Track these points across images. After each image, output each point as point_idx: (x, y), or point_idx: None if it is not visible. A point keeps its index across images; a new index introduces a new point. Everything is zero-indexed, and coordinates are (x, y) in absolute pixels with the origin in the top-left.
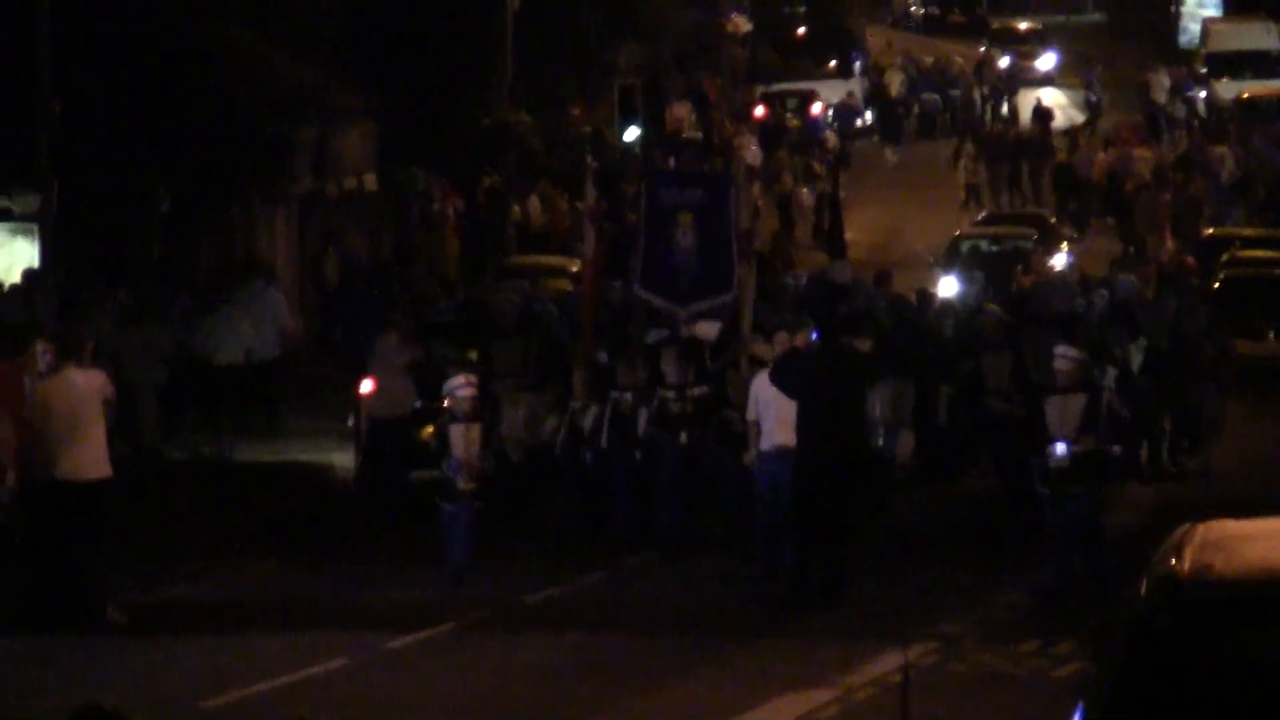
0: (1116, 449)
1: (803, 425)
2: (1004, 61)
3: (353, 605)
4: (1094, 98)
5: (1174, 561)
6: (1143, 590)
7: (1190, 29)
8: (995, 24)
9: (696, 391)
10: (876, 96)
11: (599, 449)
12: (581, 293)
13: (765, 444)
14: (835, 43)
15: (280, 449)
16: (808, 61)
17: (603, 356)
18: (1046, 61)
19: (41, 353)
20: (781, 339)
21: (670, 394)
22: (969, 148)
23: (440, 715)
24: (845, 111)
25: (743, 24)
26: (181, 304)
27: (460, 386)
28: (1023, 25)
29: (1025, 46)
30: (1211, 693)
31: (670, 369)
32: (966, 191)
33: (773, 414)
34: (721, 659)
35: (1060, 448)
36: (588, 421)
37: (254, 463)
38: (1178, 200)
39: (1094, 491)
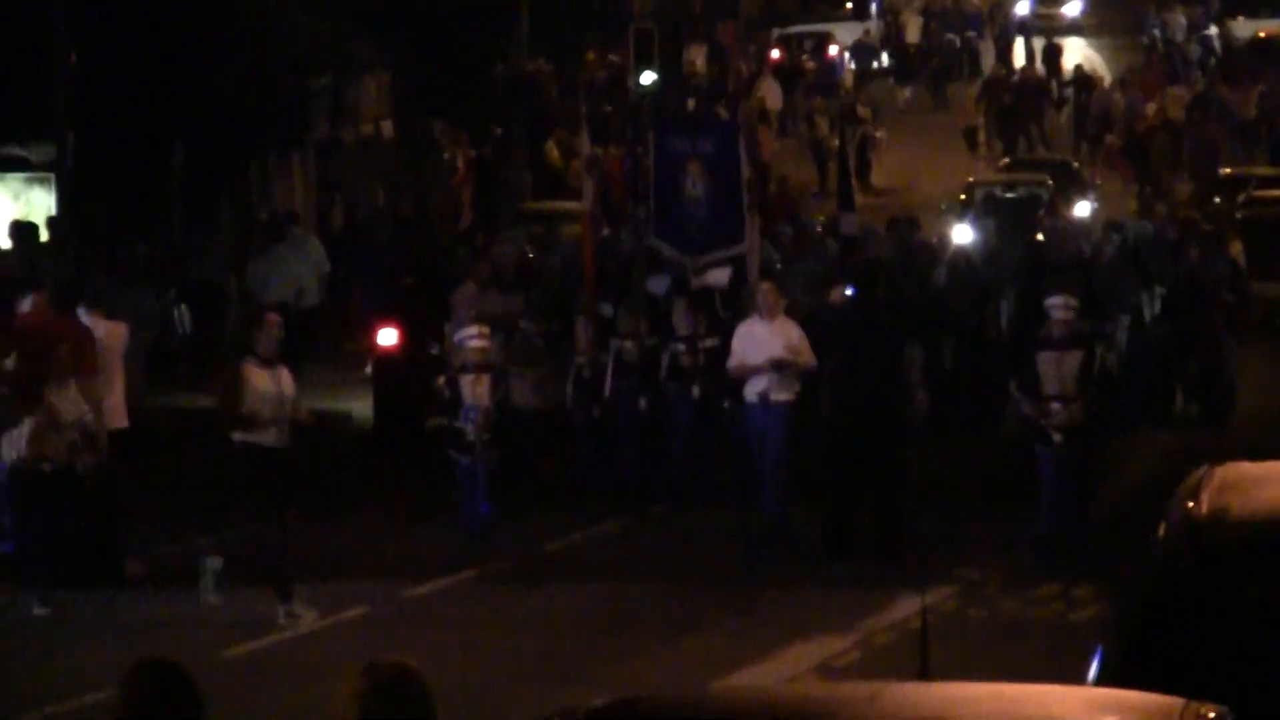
0: (1089, 402)
1: (840, 381)
2: (1023, 7)
3: (373, 554)
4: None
5: (1191, 504)
6: (1161, 533)
7: None
8: None
9: (708, 343)
10: (891, 38)
11: (604, 400)
12: (582, 243)
13: (749, 393)
14: None
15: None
16: (824, 4)
17: (606, 308)
18: (1073, 8)
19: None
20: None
21: (681, 346)
22: (971, 91)
23: (461, 664)
24: (862, 51)
25: None
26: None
27: (471, 337)
28: None
29: None
30: (1230, 634)
31: (681, 321)
32: (965, 135)
33: (758, 364)
34: (741, 607)
35: (1056, 407)
36: (593, 373)
37: None
38: (1194, 141)
39: (1088, 451)
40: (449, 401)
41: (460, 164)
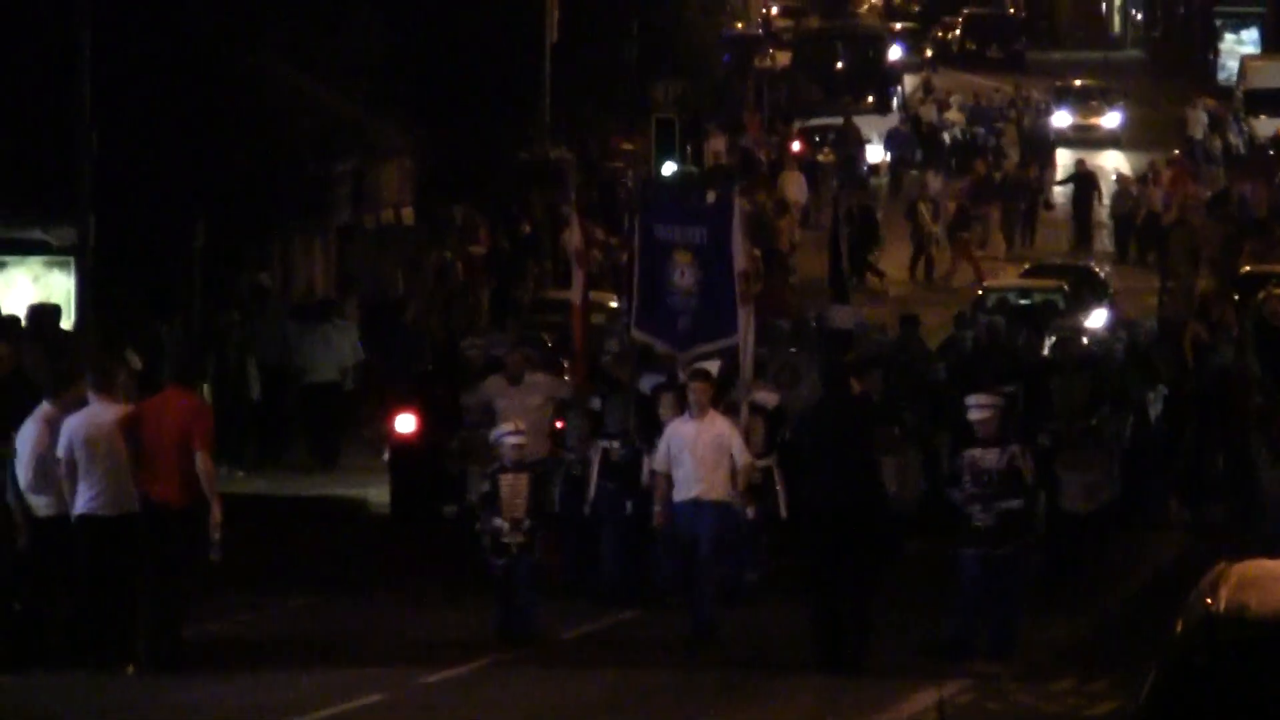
0: (1016, 503)
1: (814, 478)
2: (1064, 120)
3: (389, 640)
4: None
5: (1209, 601)
6: (1178, 629)
7: (1229, 65)
8: (1059, 83)
9: None
10: (916, 130)
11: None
12: (573, 336)
13: (679, 496)
14: (873, 78)
15: (318, 482)
16: (847, 97)
17: (595, 402)
18: (1112, 120)
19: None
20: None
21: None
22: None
23: None
24: (900, 140)
25: (782, 59)
26: (283, 326)
27: (507, 434)
28: (1079, 81)
29: (1091, 103)
30: None
31: (668, 417)
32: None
33: (688, 463)
34: (757, 696)
35: (977, 507)
36: (583, 471)
37: (290, 496)
38: (1215, 236)
39: (1020, 553)
40: (485, 502)
41: (480, 250)
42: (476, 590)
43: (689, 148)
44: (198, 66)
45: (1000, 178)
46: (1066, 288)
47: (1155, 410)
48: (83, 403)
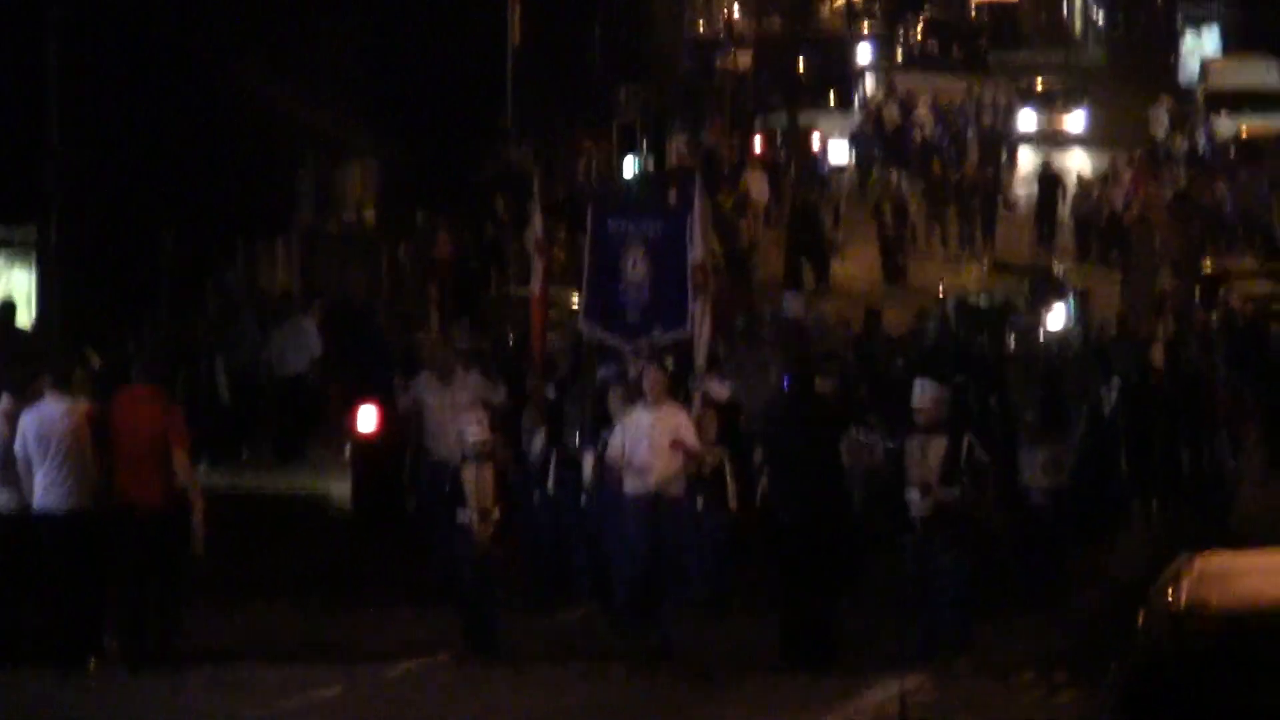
0: (955, 492)
1: (776, 482)
2: (1030, 122)
3: (350, 635)
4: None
5: (1171, 595)
6: (1141, 622)
7: (1190, 66)
8: (1023, 83)
9: None
10: (879, 130)
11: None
12: (531, 327)
13: (633, 488)
14: (835, 78)
15: (278, 478)
16: (808, 96)
17: (551, 390)
18: (1076, 122)
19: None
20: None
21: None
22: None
23: None
24: (863, 140)
25: (744, 60)
26: (250, 326)
27: (469, 426)
28: (1042, 82)
29: (1055, 104)
30: None
31: (617, 410)
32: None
33: (644, 453)
34: (720, 693)
35: (915, 495)
36: (538, 462)
37: (250, 493)
38: (1178, 236)
39: (963, 546)
40: (451, 495)
41: (441, 249)
42: (438, 588)
43: (650, 149)
44: (164, 69)
45: (958, 178)
46: (1027, 287)
47: (1108, 406)
48: (39, 397)
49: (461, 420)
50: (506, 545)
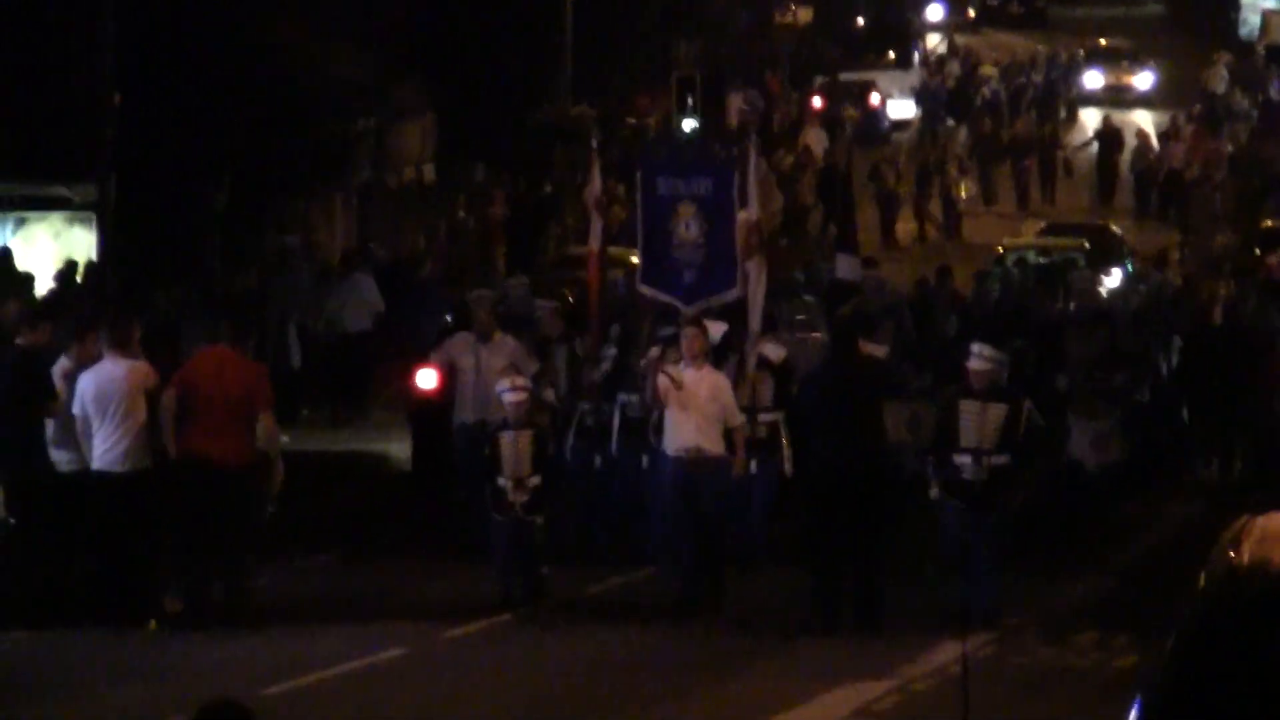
0: (1007, 459)
1: (819, 439)
2: (1096, 80)
3: (413, 596)
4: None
5: (1232, 555)
6: (1201, 584)
7: (1250, 20)
8: (1089, 44)
9: None
10: (941, 86)
11: (609, 454)
12: (588, 287)
13: (671, 446)
14: (895, 35)
15: (340, 438)
16: (869, 53)
17: (609, 352)
18: (1144, 80)
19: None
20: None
21: None
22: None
23: (499, 705)
24: (927, 95)
25: (804, 15)
26: (310, 284)
27: (507, 391)
28: (1108, 41)
29: (1122, 63)
30: (1270, 685)
31: (647, 370)
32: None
33: (676, 411)
34: (781, 652)
35: (967, 459)
36: (597, 421)
37: (312, 451)
38: (1237, 193)
39: (1007, 514)
40: (489, 460)
41: (497, 209)
42: (473, 549)
43: (708, 105)
44: (220, 28)
45: (1009, 136)
46: (1087, 245)
47: (1168, 365)
48: (98, 358)
49: (498, 383)
50: (546, 511)
